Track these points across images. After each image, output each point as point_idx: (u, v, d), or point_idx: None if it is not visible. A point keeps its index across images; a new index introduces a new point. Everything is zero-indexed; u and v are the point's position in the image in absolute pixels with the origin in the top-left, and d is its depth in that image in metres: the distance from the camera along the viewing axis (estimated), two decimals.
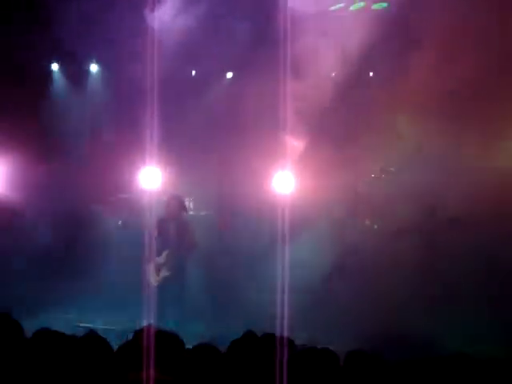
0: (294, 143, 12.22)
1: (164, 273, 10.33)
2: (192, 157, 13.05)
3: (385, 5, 12.01)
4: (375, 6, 12.09)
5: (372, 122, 12.81)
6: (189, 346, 4.65)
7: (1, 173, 12.54)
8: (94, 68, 14.29)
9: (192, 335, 6.89)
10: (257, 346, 4.67)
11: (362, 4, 12.09)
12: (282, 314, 6.58)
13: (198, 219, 12.31)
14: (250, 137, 12.63)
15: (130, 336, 5.24)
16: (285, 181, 12.45)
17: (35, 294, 10.79)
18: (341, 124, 12.19)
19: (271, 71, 10.43)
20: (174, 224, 10.42)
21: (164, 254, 10.33)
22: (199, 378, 3.65)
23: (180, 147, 13.09)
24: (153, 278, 10.36)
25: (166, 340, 4.55)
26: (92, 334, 4.72)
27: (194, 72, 14.37)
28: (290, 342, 4.86)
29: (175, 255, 10.33)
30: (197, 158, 13.05)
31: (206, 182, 13.18)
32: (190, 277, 10.64)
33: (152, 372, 2.21)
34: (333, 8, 11.95)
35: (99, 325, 9.13)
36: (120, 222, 12.71)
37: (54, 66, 14.19)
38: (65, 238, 11.98)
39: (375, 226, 12.52)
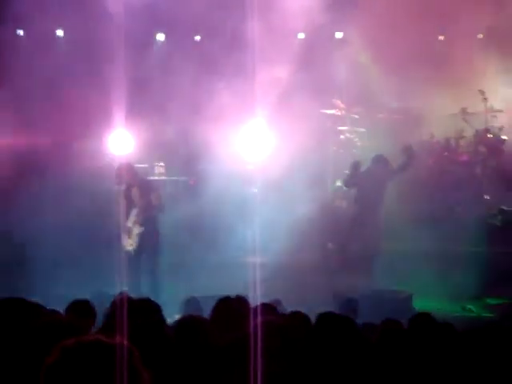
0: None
1: (134, 237, 10.38)
2: (161, 120, 12.96)
3: None
4: None
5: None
6: (166, 310, 4.68)
7: None
8: (60, 33, 14.08)
9: (170, 299, 6.93)
10: (233, 313, 4.70)
11: None
12: (259, 277, 6.63)
13: (169, 183, 12.31)
14: (220, 95, 12.61)
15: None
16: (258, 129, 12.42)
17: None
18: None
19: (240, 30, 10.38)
20: (135, 188, 10.45)
21: (130, 217, 10.40)
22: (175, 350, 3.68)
23: (149, 112, 13.01)
24: (125, 242, 10.42)
25: (141, 308, 4.55)
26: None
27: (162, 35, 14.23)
28: (269, 306, 4.91)
29: (143, 217, 10.38)
30: (165, 121, 12.97)
31: (177, 145, 13.12)
32: (165, 241, 10.65)
33: (126, 342, 2.22)
34: None
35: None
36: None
37: (19, 32, 13.94)
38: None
39: None
